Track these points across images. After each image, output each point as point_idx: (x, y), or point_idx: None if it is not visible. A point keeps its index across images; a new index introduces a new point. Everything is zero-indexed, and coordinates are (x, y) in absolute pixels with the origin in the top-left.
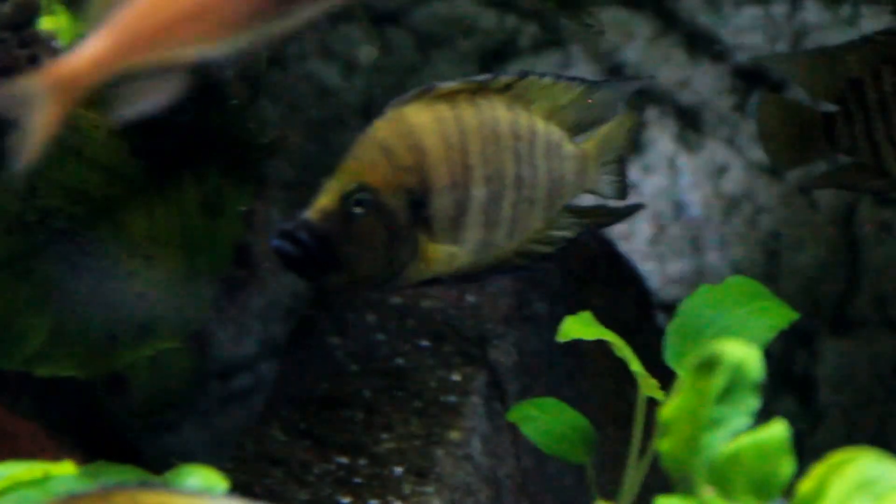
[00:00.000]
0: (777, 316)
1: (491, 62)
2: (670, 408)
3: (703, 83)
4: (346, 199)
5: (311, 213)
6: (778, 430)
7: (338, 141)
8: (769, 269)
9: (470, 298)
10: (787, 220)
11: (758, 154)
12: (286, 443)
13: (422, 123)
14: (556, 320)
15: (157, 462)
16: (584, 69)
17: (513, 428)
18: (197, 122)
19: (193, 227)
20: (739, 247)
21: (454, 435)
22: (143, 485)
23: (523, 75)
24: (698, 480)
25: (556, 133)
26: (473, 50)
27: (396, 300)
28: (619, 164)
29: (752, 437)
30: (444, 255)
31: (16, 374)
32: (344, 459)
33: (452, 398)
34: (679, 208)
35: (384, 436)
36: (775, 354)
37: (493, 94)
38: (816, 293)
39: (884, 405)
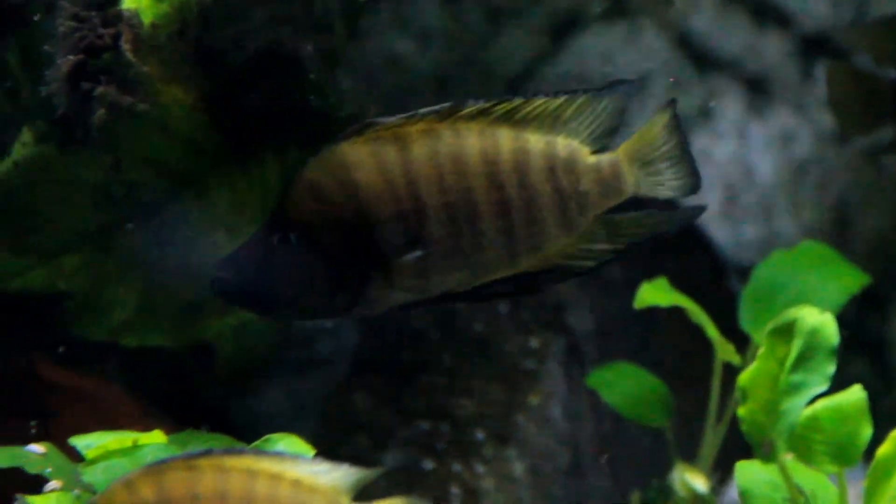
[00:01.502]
0: (849, 280)
1: (561, 33)
2: (748, 374)
3: (770, 51)
4: (272, 237)
5: (240, 251)
6: (856, 394)
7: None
8: (839, 234)
9: None
10: (856, 185)
11: (826, 120)
12: (369, 409)
13: (355, 160)
14: (630, 285)
15: (242, 428)
16: (652, 39)
17: (591, 392)
18: (276, 97)
19: (274, 199)
20: (809, 211)
21: (534, 400)
22: (229, 451)
23: (503, 99)
24: (778, 445)
25: (564, 148)
26: (544, 21)
27: None
28: (668, 163)
29: (830, 402)
30: (413, 281)
31: (103, 342)
32: (426, 425)
33: (531, 364)
34: (749, 174)
35: (465, 401)
36: (847, 318)
37: (461, 122)
38: (886, 257)
39: None
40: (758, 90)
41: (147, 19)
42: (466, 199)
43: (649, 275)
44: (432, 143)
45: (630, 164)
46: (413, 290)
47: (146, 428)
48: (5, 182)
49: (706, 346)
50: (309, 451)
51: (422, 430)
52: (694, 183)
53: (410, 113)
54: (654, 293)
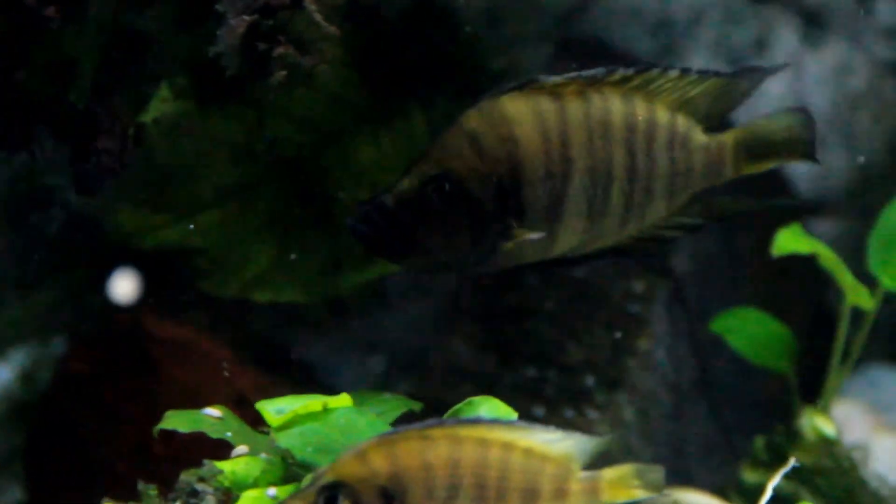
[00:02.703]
0: None
1: None
2: None
3: None
4: (425, 185)
5: (390, 196)
6: None
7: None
8: (892, 167)
9: None
10: None
11: (882, 52)
12: (471, 356)
13: (516, 114)
14: (718, 227)
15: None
16: None
17: (692, 335)
18: (427, 51)
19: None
20: (864, 144)
21: (642, 344)
22: (462, 421)
23: (645, 69)
24: None
25: (682, 125)
26: None
27: None
28: (775, 159)
29: None
30: (537, 242)
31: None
32: (533, 371)
33: (637, 307)
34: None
35: (572, 346)
36: None
37: (607, 87)
38: None
39: None
40: (813, 22)
41: None
42: (607, 163)
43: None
44: (584, 106)
45: (737, 150)
46: (538, 250)
47: (245, 379)
48: (144, 139)
49: (796, 287)
50: (511, 413)
51: (529, 376)
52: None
53: (572, 74)
54: (792, 240)
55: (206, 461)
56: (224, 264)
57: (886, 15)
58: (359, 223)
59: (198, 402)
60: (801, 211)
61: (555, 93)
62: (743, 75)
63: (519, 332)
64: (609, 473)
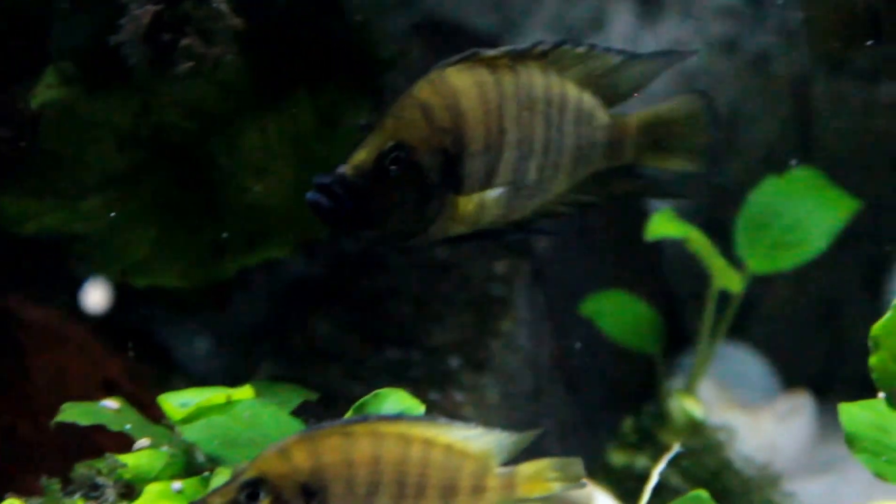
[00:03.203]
0: (842, 206)
1: None
2: (881, 324)
3: None
4: (382, 157)
5: (348, 168)
6: None
7: None
8: (726, 143)
9: None
10: (745, 94)
11: (715, 29)
12: (336, 337)
13: (462, 86)
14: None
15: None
16: None
17: (553, 315)
18: (316, 38)
19: (307, 140)
20: None
21: (505, 325)
22: (384, 417)
23: (560, 43)
24: None
25: (589, 101)
26: None
27: None
28: (683, 151)
29: None
30: (471, 214)
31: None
32: (397, 353)
33: (499, 289)
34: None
35: (436, 328)
36: None
37: (531, 61)
38: (772, 165)
39: None
40: (649, 0)
41: None
42: (530, 137)
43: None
44: (515, 79)
45: (639, 132)
46: (468, 222)
47: (113, 364)
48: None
49: (644, 266)
50: (418, 405)
51: (393, 358)
52: (705, 177)
53: (505, 47)
54: (665, 225)
55: (107, 454)
56: (105, 250)
57: None
58: (320, 196)
59: (66, 387)
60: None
61: (491, 65)
62: (653, 57)
63: (382, 314)
64: (525, 469)
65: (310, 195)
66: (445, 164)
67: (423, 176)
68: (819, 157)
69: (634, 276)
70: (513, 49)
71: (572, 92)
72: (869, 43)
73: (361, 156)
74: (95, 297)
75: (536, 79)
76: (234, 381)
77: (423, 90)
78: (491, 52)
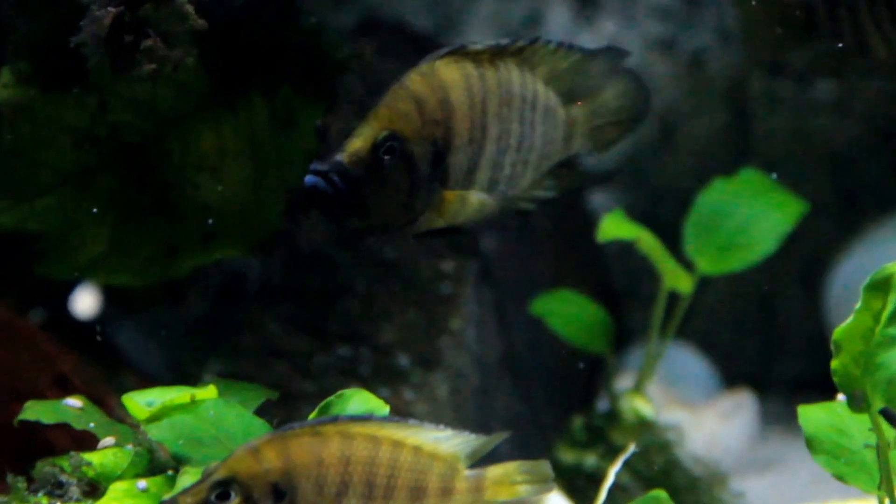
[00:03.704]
0: (791, 208)
1: None
2: (843, 328)
3: None
4: (377, 146)
5: (344, 156)
6: None
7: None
8: (663, 141)
9: None
10: (681, 93)
11: (653, 28)
12: (286, 335)
13: (452, 79)
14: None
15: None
16: None
17: (500, 314)
18: (270, 39)
19: (262, 140)
20: None
21: (454, 323)
22: (354, 418)
23: (534, 40)
24: (871, 396)
25: (553, 98)
26: None
27: None
28: (605, 131)
29: None
30: (453, 209)
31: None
32: (346, 350)
33: (448, 287)
34: None
35: (385, 326)
36: None
37: (508, 57)
38: (709, 164)
39: None
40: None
41: None
42: (507, 132)
43: None
44: (496, 75)
45: (585, 125)
46: (448, 217)
47: (65, 360)
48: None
49: (585, 265)
50: (383, 406)
51: (342, 355)
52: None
53: (488, 42)
54: (616, 226)
55: (72, 452)
56: (60, 248)
57: None
58: (318, 182)
59: (19, 383)
60: (588, 185)
61: (476, 60)
62: (602, 54)
63: (331, 312)
64: (493, 471)
65: (309, 179)
66: (434, 156)
67: (415, 167)
68: (756, 157)
69: (579, 274)
70: (495, 44)
71: (541, 88)
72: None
73: (357, 144)
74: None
75: (514, 75)
76: (183, 378)
77: (415, 82)
78: (476, 47)
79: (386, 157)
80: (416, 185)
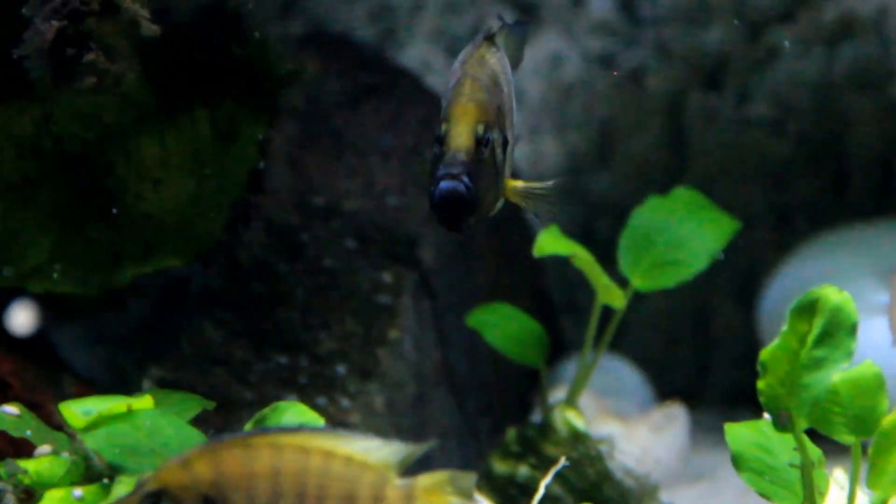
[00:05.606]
0: (724, 227)
1: None
2: (770, 350)
3: None
4: (478, 140)
5: (462, 155)
6: (871, 368)
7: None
8: (601, 156)
9: (391, 201)
10: (621, 108)
11: (593, 44)
12: (224, 342)
13: (495, 66)
14: None
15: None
16: None
17: (437, 325)
18: (215, 53)
19: (205, 153)
20: (574, 134)
21: (392, 334)
22: (283, 429)
23: (504, 25)
24: (796, 417)
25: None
26: None
27: (318, 202)
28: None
29: (847, 375)
30: (512, 192)
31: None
32: (284, 359)
33: (386, 298)
34: (518, 96)
35: (323, 336)
36: None
37: (491, 45)
38: (647, 180)
39: None
40: (528, 14)
41: None
42: (512, 110)
43: None
44: (502, 58)
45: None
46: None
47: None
48: None
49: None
50: (318, 419)
51: (280, 364)
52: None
53: (485, 29)
54: (552, 242)
55: (7, 459)
56: (2, 256)
57: (598, 10)
58: (457, 184)
59: None
60: None
61: (489, 45)
62: (513, 29)
63: (270, 320)
64: (424, 480)
65: (446, 184)
66: (504, 142)
67: (495, 154)
68: (692, 172)
69: (516, 287)
70: (487, 30)
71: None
72: None
73: (463, 141)
74: None
75: (504, 61)
76: (124, 383)
77: (478, 71)
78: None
79: (483, 150)
80: (500, 173)
